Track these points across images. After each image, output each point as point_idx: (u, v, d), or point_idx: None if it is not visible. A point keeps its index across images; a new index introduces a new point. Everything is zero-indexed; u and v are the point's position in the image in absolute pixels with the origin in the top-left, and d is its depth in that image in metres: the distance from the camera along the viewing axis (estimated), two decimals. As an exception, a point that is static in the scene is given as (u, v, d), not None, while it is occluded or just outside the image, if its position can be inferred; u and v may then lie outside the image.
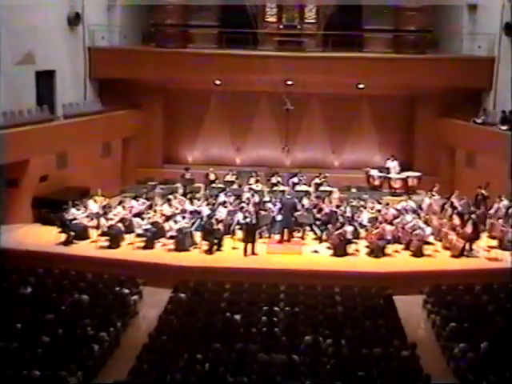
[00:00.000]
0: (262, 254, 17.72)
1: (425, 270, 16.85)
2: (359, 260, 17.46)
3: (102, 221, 18.44)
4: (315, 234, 18.99)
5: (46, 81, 21.16)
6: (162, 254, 17.63)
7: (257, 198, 20.09)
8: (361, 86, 23.25)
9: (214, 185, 22.23)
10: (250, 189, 21.13)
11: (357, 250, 17.92)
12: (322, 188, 21.85)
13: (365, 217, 19.28)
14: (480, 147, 22.08)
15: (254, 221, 17.83)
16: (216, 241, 17.74)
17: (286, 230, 18.56)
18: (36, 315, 13.26)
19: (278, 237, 18.61)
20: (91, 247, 17.89)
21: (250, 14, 23.45)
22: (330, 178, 22.75)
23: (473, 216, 18.28)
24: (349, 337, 12.64)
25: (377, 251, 17.52)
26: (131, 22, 25.02)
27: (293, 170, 23.65)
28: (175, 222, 18.29)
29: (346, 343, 12.38)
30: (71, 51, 22.45)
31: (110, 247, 17.77)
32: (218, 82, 23.51)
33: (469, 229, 17.70)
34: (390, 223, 18.66)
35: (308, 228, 19.17)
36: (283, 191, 20.95)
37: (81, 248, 17.79)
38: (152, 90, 24.40)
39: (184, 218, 18.52)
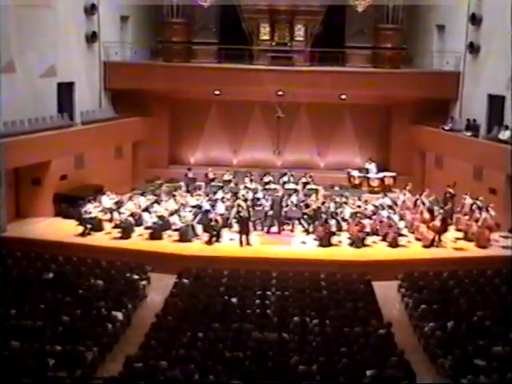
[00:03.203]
0: (255, 244, 17.72)
1: (399, 259, 16.88)
2: (342, 250, 17.48)
3: (115, 215, 18.45)
4: (303, 227, 19.00)
5: (66, 91, 21.12)
6: (168, 244, 17.63)
7: (251, 195, 20.09)
8: (343, 96, 23.23)
9: (213, 183, 22.23)
10: (245, 187, 21.09)
11: (340, 242, 17.95)
12: (308, 186, 21.85)
13: (347, 212, 19.33)
14: (447, 151, 22.15)
15: (247, 215, 17.80)
16: (215, 233, 17.73)
17: (276, 223, 18.47)
18: (57, 298, 13.27)
19: (275, 229, 18.51)
20: (105, 238, 17.89)
21: (246, 32, 23.43)
22: (316, 177, 22.76)
23: (441, 211, 18.34)
24: (332, 317, 12.66)
25: (357, 242, 17.56)
26: (141, 39, 25.02)
27: (283, 170, 23.62)
28: (179, 216, 18.28)
29: (330, 323, 12.40)
30: (88, 65, 22.42)
31: (121, 238, 17.77)
32: (217, 93, 23.47)
33: (438, 222, 17.74)
34: (369, 218, 18.71)
35: (297, 222, 19.18)
36: (275, 189, 20.89)
37: (96, 239, 17.79)
38: (159, 100, 24.34)
39: (187, 212, 18.48)
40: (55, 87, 20.51)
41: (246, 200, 18.83)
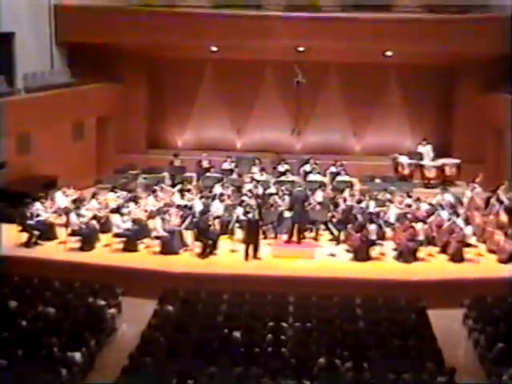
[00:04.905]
0: (266, 257, 17.71)
1: (465, 278, 16.78)
2: (385, 265, 17.45)
3: (73, 217, 18.40)
4: (331, 233, 18.96)
5: (2, 46, 21.11)
6: (146, 257, 17.64)
7: (260, 190, 20.06)
8: (388, 53, 23.17)
9: (208, 174, 22.23)
10: (253, 179, 21.12)
11: (382, 254, 17.90)
12: (339, 178, 21.87)
13: (392, 213, 19.25)
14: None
15: (256, 217, 17.76)
16: (211, 242, 17.70)
17: (295, 229, 18.48)
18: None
19: (285, 237, 18.55)
20: (59, 249, 17.87)
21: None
22: (350, 166, 22.80)
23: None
24: (372, 359, 12.58)
25: (407, 255, 17.47)
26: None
27: (304, 156, 23.62)
28: (162, 219, 18.25)
29: (369, 367, 12.32)
30: (34, 10, 22.37)
31: (82, 249, 17.76)
32: (214, 49, 23.48)
33: (519, 228, 17.68)
34: (423, 221, 18.60)
35: (322, 226, 19.15)
36: (293, 182, 20.89)
37: (46, 250, 17.77)
38: (133, 59, 24.37)
39: (172, 214, 18.47)
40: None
41: (254, 197, 18.71)
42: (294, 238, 18.48)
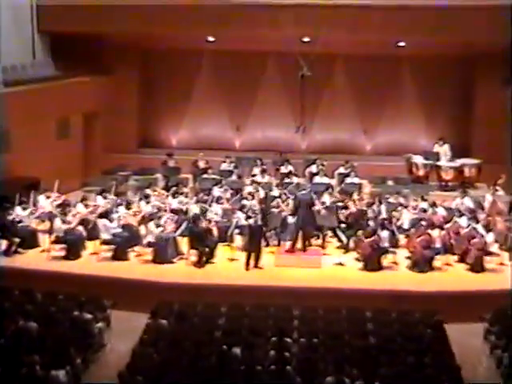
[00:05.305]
0: (268, 266, 17.72)
1: (486, 290, 16.76)
2: (398, 275, 17.46)
3: (57, 223, 18.42)
4: (339, 240, 19.01)
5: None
6: (137, 266, 17.66)
7: (262, 193, 20.10)
8: (401, 43, 23.15)
9: (205, 175, 22.26)
10: (254, 181, 21.15)
11: (395, 263, 17.93)
12: (348, 180, 21.90)
13: (406, 219, 19.28)
14: None
15: (259, 223, 17.77)
16: (208, 249, 17.72)
17: (300, 235, 18.47)
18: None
19: (289, 244, 18.55)
20: (42, 258, 17.88)
21: None
22: (360, 166, 22.85)
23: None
24: (384, 378, 12.55)
25: (422, 264, 17.48)
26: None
27: (310, 156, 23.66)
28: (155, 224, 18.26)
29: (381, 386, 12.30)
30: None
31: (67, 258, 17.77)
32: (211, 39, 23.46)
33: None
34: (440, 227, 18.60)
35: (330, 233, 19.20)
36: (297, 184, 20.90)
37: (28, 259, 17.78)
38: (123, 50, 24.44)
39: (166, 219, 18.49)
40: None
41: (257, 201, 18.80)
42: (299, 246, 18.48)
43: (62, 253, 17.88)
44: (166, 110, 25.71)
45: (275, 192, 20.59)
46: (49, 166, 21.21)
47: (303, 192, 19.17)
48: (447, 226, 18.72)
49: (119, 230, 18.23)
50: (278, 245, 18.78)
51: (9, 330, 14.05)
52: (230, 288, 16.66)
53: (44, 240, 18.46)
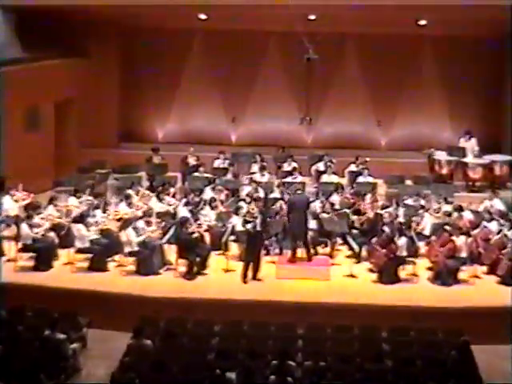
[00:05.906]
0: (269, 279, 17.74)
1: (520, 306, 16.78)
2: (418, 289, 17.46)
3: (25, 228, 18.36)
4: (350, 248, 19.00)
5: None
6: (117, 278, 17.66)
7: (261, 194, 20.14)
8: (422, 22, 23.18)
9: (196, 174, 22.29)
10: (252, 180, 21.20)
11: (414, 274, 17.91)
12: (361, 179, 21.96)
13: (427, 223, 19.27)
14: None
15: (258, 228, 17.75)
16: (199, 259, 17.72)
17: (301, 244, 18.44)
18: None
19: (302, 252, 18.53)
20: (7, 269, 17.82)
21: None
22: (374, 163, 22.89)
23: None
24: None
25: (445, 276, 17.49)
26: None
27: (317, 151, 23.69)
28: (137, 230, 18.24)
29: (399, 417, 12.32)
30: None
31: (36, 268, 17.77)
32: (203, 17, 23.45)
33: None
34: (466, 234, 18.58)
35: (340, 240, 19.20)
36: (303, 184, 20.92)
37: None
38: (102, 29, 24.43)
39: (151, 223, 18.48)
40: None
41: (254, 200, 18.88)
42: (302, 255, 18.47)
43: (31, 263, 17.88)
44: (151, 98, 25.75)
45: (276, 193, 20.62)
46: (15, 162, 21.13)
47: (298, 192, 19.14)
48: (475, 232, 18.76)
49: (97, 237, 18.23)
50: (280, 254, 18.80)
51: (-31, 352, 14.07)
52: (224, 303, 16.66)
53: (9, 248, 18.44)
